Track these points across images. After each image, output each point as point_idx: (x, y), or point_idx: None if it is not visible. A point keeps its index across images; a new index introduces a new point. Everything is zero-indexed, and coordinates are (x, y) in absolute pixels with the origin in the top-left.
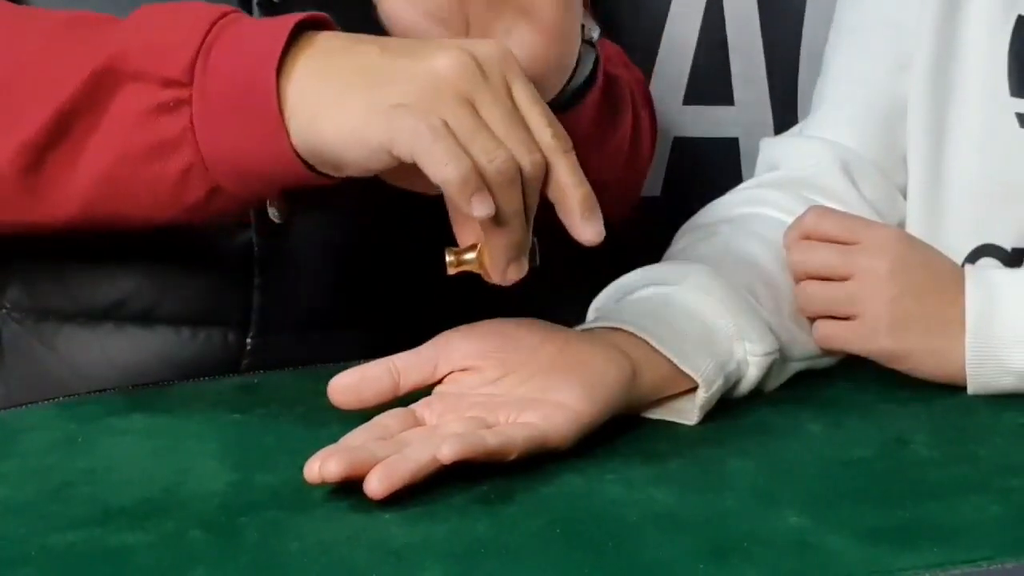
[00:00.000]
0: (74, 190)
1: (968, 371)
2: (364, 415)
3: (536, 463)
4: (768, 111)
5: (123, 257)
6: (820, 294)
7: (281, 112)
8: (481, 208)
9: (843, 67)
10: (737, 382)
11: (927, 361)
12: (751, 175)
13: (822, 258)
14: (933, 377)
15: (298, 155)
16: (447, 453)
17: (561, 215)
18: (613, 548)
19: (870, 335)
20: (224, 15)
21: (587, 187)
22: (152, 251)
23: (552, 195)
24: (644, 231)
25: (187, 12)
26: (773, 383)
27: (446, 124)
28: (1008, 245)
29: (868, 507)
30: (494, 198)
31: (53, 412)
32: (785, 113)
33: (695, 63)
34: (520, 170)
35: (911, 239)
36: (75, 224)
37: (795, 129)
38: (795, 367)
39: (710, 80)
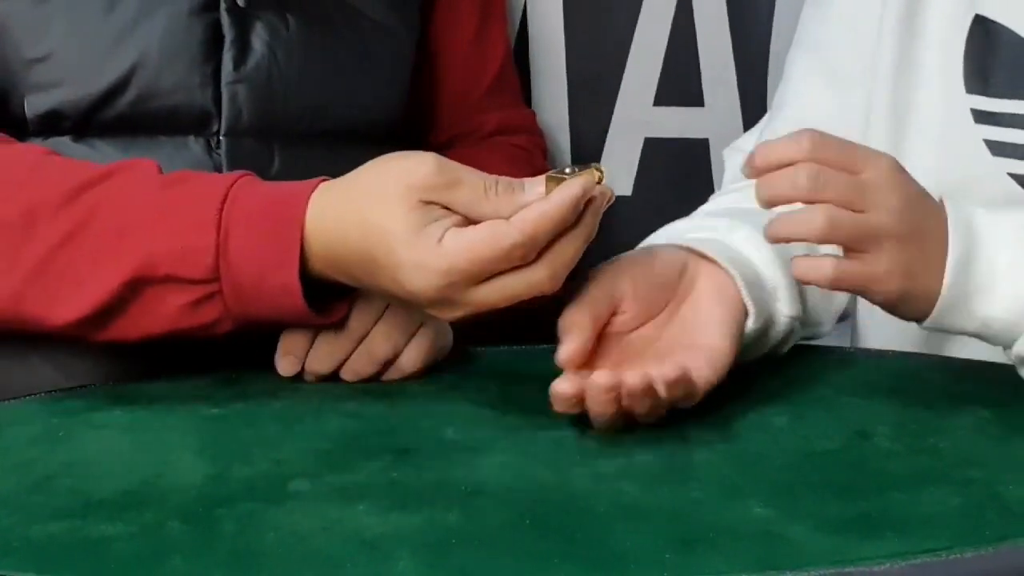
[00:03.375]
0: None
1: (936, 310)
2: (338, 409)
3: (506, 456)
4: (738, 113)
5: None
6: (848, 223)
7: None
8: None
9: (804, 72)
10: (763, 336)
11: (912, 303)
12: (721, 175)
13: (842, 187)
14: (905, 316)
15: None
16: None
17: None
18: (582, 538)
19: (886, 277)
20: (225, 199)
21: None
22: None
23: None
24: (615, 230)
25: (192, 208)
26: (785, 348)
27: None
28: None
29: (831, 498)
30: None
31: (35, 407)
32: (754, 115)
33: (665, 65)
34: None
35: (904, 170)
36: None
37: (756, 129)
38: (798, 335)
39: (680, 82)
